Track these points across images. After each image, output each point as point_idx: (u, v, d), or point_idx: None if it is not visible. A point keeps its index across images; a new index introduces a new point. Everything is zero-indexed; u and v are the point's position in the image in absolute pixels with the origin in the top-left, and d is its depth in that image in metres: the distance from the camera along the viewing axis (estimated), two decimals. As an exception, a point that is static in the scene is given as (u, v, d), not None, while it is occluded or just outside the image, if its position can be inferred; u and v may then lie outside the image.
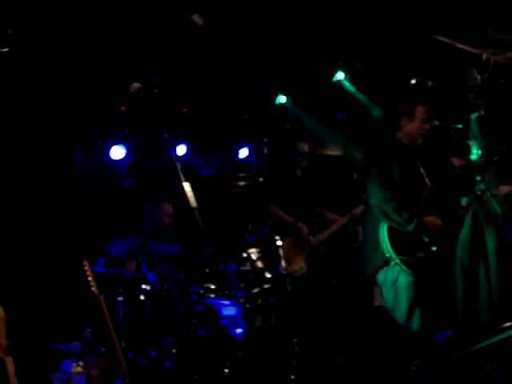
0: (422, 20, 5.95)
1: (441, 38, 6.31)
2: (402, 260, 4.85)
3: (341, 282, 7.03)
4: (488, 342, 2.94)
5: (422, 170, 5.17)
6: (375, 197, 4.93)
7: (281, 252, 6.03)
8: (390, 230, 4.90)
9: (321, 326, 6.69)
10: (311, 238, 6.71)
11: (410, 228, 4.84)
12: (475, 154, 4.91)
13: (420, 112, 5.13)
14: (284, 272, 5.99)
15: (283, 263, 5.97)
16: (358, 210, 6.70)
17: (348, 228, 7.17)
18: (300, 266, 6.64)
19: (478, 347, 2.98)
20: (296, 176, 6.94)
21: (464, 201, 5.12)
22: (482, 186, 4.84)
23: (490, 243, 5.17)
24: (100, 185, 7.04)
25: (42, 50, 5.44)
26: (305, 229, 6.67)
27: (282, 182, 6.87)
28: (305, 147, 6.91)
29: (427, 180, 5.12)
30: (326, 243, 6.85)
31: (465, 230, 5.23)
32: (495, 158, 5.34)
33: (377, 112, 7.66)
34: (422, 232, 4.90)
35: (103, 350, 5.32)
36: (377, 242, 4.96)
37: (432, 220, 4.92)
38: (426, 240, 4.91)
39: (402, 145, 5.15)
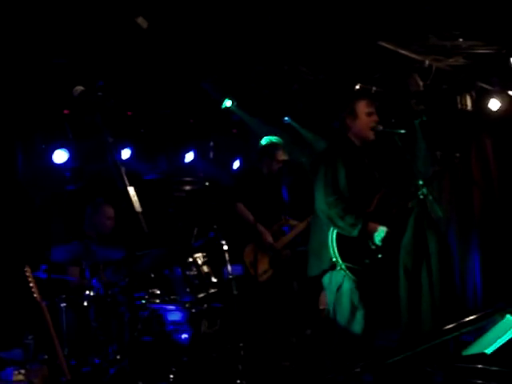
0: (366, 26, 6.01)
1: (384, 44, 6.40)
2: (347, 266, 4.87)
3: (300, 286, 7.08)
4: (430, 344, 2.98)
5: (376, 174, 5.20)
6: (320, 201, 4.95)
7: (227, 257, 6.04)
8: (338, 234, 4.91)
9: (277, 330, 6.70)
10: (274, 242, 6.76)
11: (354, 233, 4.85)
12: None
13: (361, 107, 5.17)
14: (230, 276, 5.99)
15: (230, 268, 5.98)
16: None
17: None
18: (264, 270, 6.67)
19: (421, 349, 3.02)
20: (263, 178, 6.97)
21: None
22: (425, 190, 4.90)
23: (432, 246, 5.25)
24: (42, 189, 6.92)
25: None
26: (267, 233, 6.71)
27: (249, 184, 6.89)
28: (282, 155, 6.97)
29: (380, 183, 5.16)
30: (287, 247, 6.90)
31: (408, 234, 5.30)
32: (435, 168, 5.41)
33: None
34: (369, 239, 4.91)
35: (45, 357, 5.22)
36: (324, 244, 4.96)
37: (374, 226, 4.92)
38: (373, 247, 4.93)
39: (353, 146, 5.16)
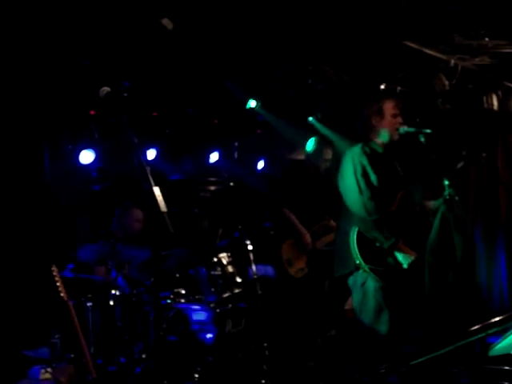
0: (391, 26, 5.99)
1: (409, 44, 6.36)
2: (370, 269, 4.86)
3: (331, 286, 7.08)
4: (456, 345, 2.96)
5: (400, 173, 5.19)
6: (356, 205, 4.95)
7: (252, 257, 6.05)
8: (359, 237, 4.90)
9: (303, 330, 6.71)
10: (314, 242, 6.79)
11: (386, 245, 4.87)
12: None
13: (388, 107, 5.14)
14: (255, 277, 6.00)
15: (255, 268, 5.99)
16: None
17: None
18: (300, 267, 6.70)
19: (446, 350, 3.00)
20: (311, 176, 7.01)
21: (434, 205, 5.13)
22: (451, 191, 4.87)
23: (459, 247, 5.20)
24: (69, 189, 6.98)
25: (10, 53, 5.39)
26: (307, 234, 6.73)
27: (295, 185, 6.95)
28: (330, 154, 7.03)
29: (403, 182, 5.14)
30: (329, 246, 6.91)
31: (433, 234, 5.26)
32: (459, 165, 5.37)
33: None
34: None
35: (72, 355, 5.28)
36: (347, 246, 4.96)
37: (406, 249, 4.94)
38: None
39: (377, 145, 5.15)
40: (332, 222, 6.98)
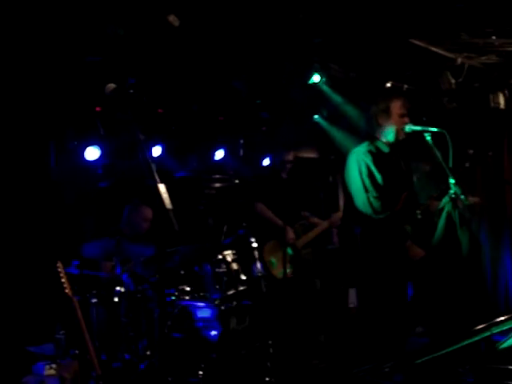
0: (398, 23, 5.98)
1: (416, 42, 6.35)
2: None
3: (322, 284, 7.08)
4: (461, 345, 2.96)
5: (405, 171, 5.18)
6: (361, 201, 4.97)
7: (256, 255, 6.05)
8: None
9: (305, 329, 6.70)
10: (296, 240, 6.76)
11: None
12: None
13: (396, 106, 5.13)
14: (259, 274, 6.00)
15: (259, 266, 5.98)
16: (338, 215, 6.78)
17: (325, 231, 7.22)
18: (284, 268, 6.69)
19: (451, 349, 3.00)
20: (281, 179, 7.00)
21: (438, 205, 5.13)
22: (457, 189, 4.86)
23: (464, 245, 5.19)
24: (74, 185, 6.98)
25: (15, 50, 5.39)
26: (290, 232, 6.71)
27: (268, 184, 6.92)
28: (291, 155, 6.99)
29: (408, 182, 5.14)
30: (308, 246, 6.90)
31: (439, 233, 5.26)
32: (467, 165, 5.36)
33: (353, 113, 7.68)
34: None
35: (76, 352, 5.28)
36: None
37: (418, 252, 4.94)
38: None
39: (382, 144, 5.15)
40: (312, 219, 6.98)
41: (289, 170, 7.06)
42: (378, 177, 4.99)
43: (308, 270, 6.89)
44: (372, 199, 4.91)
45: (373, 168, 5.01)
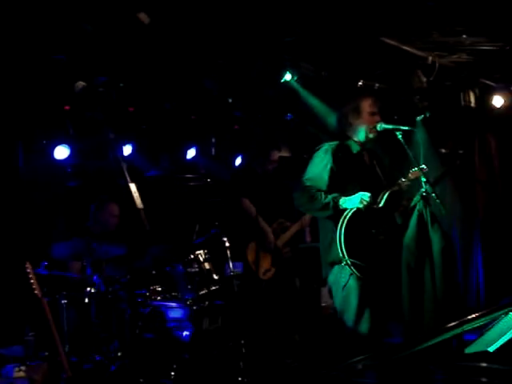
0: (369, 22, 5.99)
1: (387, 41, 6.37)
2: (352, 262, 4.82)
3: (301, 283, 7.09)
4: (433, 342, 2.96)
5: (378, 171, 5.17)
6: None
7: (229, 254, 6.04)
8: (346, 230, 4.86)
9: (280, 328, 6.69)
10: (276, 240, 6.77)
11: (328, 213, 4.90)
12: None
13: (365, 105, 5.12)
14: (232, 273, 5.99)
15: (232, 265, 5.97)
16: (308, 216, 6.78)
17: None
18: (267, 268, 6.68)
19: (422, 347, 3.00)
20: (258, 177, 6.97)
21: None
22: (428, 188, 4.87)
23: (436, 244, 5.21)
24: (43, 185, 6.90)
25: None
26: (270, 231, 6.71)
27: (246, 182, 6.90)
28: (276, 155, 6.99)
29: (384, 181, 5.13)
30: (287, 245, 6.91)
31: (410, 231, 5.26)
32: (444, 169, 5.37)
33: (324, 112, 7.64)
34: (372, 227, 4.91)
35: (46, 353, 5.23)
36: (331, 242, 4.94)
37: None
38: (373, 231, 4.91)
39: (352, 143, 5.14)
40: (286, 223, 6.99)
41: (273, 170, 7.04)
42: (338, 176, 4.97)
43: (288, 268, 6.89)
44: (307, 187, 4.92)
45: (334, 166, 4.98)
